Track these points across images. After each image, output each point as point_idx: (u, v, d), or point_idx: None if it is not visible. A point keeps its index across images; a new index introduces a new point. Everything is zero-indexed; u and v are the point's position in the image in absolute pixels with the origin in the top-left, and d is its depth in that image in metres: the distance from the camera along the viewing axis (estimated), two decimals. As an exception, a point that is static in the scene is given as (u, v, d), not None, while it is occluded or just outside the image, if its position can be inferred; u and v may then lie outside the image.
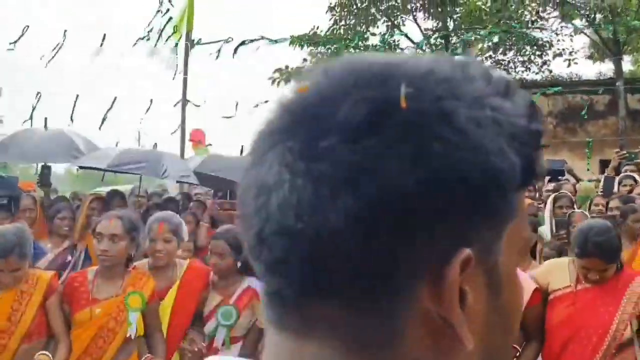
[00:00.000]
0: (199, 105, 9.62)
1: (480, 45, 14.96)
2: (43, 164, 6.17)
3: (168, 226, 3.07)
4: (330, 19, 14.62)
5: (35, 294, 2.72)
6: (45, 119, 6.58)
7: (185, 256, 4.74)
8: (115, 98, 8.58)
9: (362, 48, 12.34)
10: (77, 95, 8.07)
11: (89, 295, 2.77)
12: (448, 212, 0.37)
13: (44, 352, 2.66)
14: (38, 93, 8.17)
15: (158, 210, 5.62)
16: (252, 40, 10.30)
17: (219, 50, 10.08)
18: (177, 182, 6.29)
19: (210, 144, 9.53)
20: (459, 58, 0.43)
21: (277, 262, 0.39)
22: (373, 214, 0.36)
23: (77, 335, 2.74)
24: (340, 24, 14.69)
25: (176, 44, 9.85)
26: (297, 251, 0.38)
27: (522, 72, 15.80)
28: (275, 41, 10.92)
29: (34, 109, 7.70)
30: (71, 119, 7.95)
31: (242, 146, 8.95)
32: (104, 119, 8.07)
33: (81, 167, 6.45)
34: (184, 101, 9.58)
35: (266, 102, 8.99)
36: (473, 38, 12.92)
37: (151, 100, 9.39)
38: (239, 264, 3.04)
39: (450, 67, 0.40)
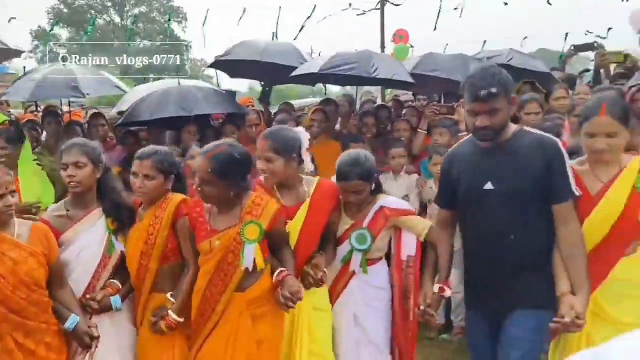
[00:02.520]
0: (398, 4, 9.06)
1: None
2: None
3: (270, 143, 2.78)
4: None
5: (165, 216, 2.78)
6: (273, 33, 6.65)
7: (401, 163, 4.63)
8: (314, 6, 8.41)
9: None
10: (280, 7, 8.04)
11: (208, 225, 2.67)
12: None
13: (113, 280, 2.78)
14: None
15: (368, 118, 5.50)
16: None
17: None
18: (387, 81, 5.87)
19: (412, 45, 9.01)
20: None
21: None
22: None
23: (202, 262, 2.69)
24: None
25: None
26: None
27: None
28: None
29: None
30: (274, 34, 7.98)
31: (447, 44, 8.30)
32: (302, 28, 7.97)
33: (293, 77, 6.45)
34: (383, 1, 9.09)
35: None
36: None
37: (350, 4, 9.07)
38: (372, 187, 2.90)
39: None
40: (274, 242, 2.73)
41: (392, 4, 9.12)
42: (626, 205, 2.41)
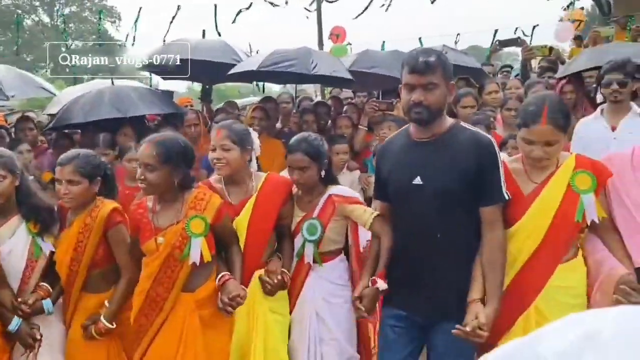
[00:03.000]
0: (332, 1, 9.11)
1: None
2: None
3: (226, 132, 2.81)
4: None
5: (95, 226, 2.74)
6: (204, 31, 6.55)
7: (344, 160, 4.66)
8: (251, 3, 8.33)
9: None
10: (215, 5, 7.92)
11: (152, 224, 2.65)
12: None
13: (43, 283, 2.75)
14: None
15: (308, 115, 5.50)
16: None
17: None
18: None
19: (350, 43, 9.09)
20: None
21: None
22: None
23: (147, 264, 2.68)
24: None
25: None
26: None
27: None
28: None
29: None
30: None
31: (384, 42, 8.43)
32: (238, 12, 7.88)
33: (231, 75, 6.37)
34: (320, -1, 9.13)
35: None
36: None
37: (286, 2, 9.05)
38: (322, 174, 2.88)
39: None
40: (221, 239, 2.71)
41: (328, 1, 9.16)
42: (561, 204, 2.34)
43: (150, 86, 7.21)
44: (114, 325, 2.70)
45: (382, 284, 2.51)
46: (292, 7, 8.66)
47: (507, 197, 2.32)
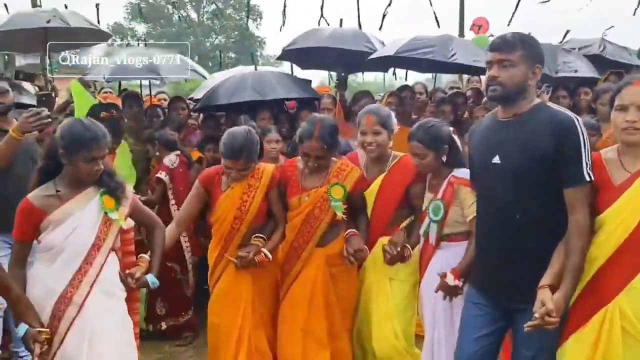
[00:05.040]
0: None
1: None
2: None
3: (376, 118, 3.10)
4: None
5: (260, 186, 3.08)
6: (341, 20, 6.60)
7: None
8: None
9: None
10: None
11: (299, 184, 3.11)
12: None
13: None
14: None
15: (444, 105, 5.33)
16: None
17: None
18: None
19: (492, 35, 8.68)
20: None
21: None
22: None
23: (291, 218, 3.14)
24: None
25: None
26: None
27: None
28: None
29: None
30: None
31: (529, 33, 7.92)
32: (384, 16, 7.82)
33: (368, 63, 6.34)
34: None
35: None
36: None
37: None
38: (444, 159, 2.95)
39: None
40: (352, 207, 3.11)
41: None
42: None
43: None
44: (270, 258, 3.02)
45: (451, 280, 2.70)
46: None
47: (588, 179, 2.20)
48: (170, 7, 33.94)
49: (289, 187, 3.14)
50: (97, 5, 6.88)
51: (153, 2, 35.00)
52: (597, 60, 6.00)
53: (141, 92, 6.34)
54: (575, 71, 5.58)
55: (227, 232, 3.07)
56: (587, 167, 2.20)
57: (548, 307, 2.08)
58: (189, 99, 6.60)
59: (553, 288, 2.16)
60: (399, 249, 2.96)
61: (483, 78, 7.18)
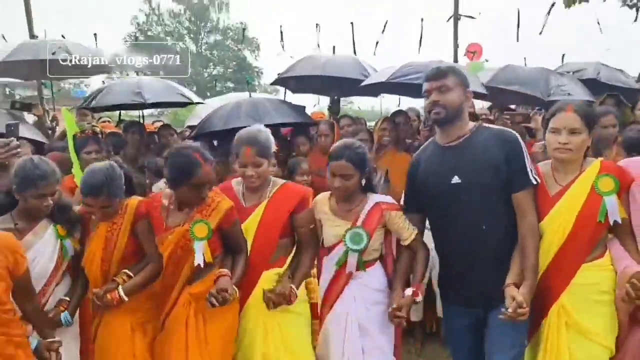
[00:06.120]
0: (473, 17, 8.85)
1: None
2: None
3: (255, 150, 2.87)
4: None
5: (124, 222, 2.83)
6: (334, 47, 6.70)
7: None
8: (386, 22, 8.36)
9: None
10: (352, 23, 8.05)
11: (164, 222, 2.83)
12: None
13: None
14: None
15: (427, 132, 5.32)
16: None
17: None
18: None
19: (487, 60, 8.75)
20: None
21: None
22: None
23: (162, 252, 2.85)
24: None
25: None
26: None
27: None
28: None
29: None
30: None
31: (525, 58, 8.01)
32: (377, 43, 7.94)
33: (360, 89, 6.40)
34: (456, 15, 8.94)
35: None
36: None
37: (422, 19, 8.96)
38: (363, 182, 2.85)
39: None
40: (228, 242, 2.86)
41: (468, 17, 8.92)
42: (584, 204, 2.48)
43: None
44: (127, 299, 2.74)
45: (420, 297, 2.71)
46: (427, 24, 8.48)
47: (535, 182, 2.53)
48: (169, 38, 34.40)
49: (154, 224, 2.85)
50: (95, 34, 6.97)
51: (151, 34, 35.49)
52: (592, 84, 6.04)
53: (143, 121, 6.42)
54: (569, 94, 5.59)
55: (98, 275, 2.84)
56: (531, 172, 2.52)
57: (518, 300, 2.35)
58: (188, 127, 6.66)
59: (517, 286, 2.44)
60: (282, 300, 2.74)
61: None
